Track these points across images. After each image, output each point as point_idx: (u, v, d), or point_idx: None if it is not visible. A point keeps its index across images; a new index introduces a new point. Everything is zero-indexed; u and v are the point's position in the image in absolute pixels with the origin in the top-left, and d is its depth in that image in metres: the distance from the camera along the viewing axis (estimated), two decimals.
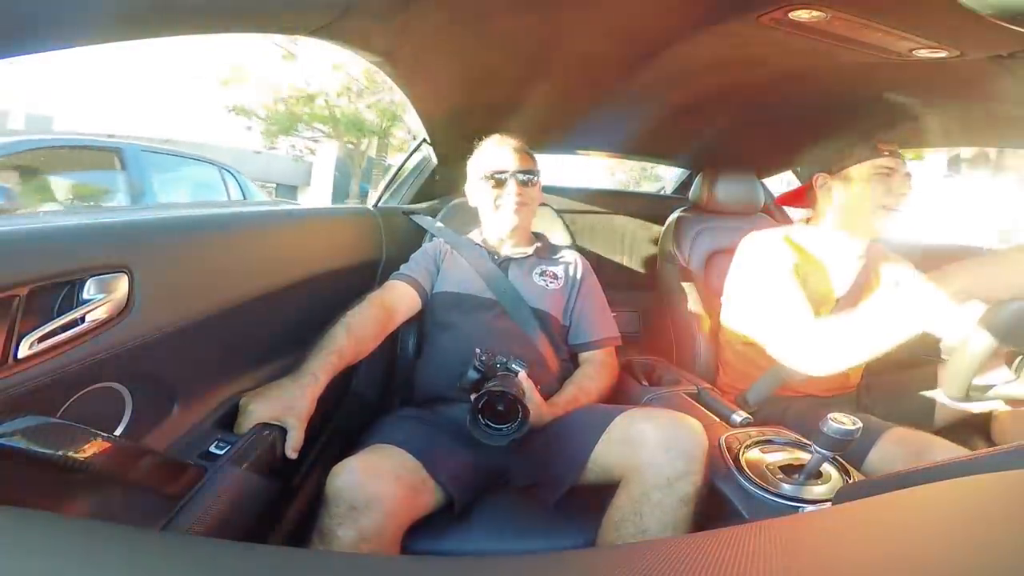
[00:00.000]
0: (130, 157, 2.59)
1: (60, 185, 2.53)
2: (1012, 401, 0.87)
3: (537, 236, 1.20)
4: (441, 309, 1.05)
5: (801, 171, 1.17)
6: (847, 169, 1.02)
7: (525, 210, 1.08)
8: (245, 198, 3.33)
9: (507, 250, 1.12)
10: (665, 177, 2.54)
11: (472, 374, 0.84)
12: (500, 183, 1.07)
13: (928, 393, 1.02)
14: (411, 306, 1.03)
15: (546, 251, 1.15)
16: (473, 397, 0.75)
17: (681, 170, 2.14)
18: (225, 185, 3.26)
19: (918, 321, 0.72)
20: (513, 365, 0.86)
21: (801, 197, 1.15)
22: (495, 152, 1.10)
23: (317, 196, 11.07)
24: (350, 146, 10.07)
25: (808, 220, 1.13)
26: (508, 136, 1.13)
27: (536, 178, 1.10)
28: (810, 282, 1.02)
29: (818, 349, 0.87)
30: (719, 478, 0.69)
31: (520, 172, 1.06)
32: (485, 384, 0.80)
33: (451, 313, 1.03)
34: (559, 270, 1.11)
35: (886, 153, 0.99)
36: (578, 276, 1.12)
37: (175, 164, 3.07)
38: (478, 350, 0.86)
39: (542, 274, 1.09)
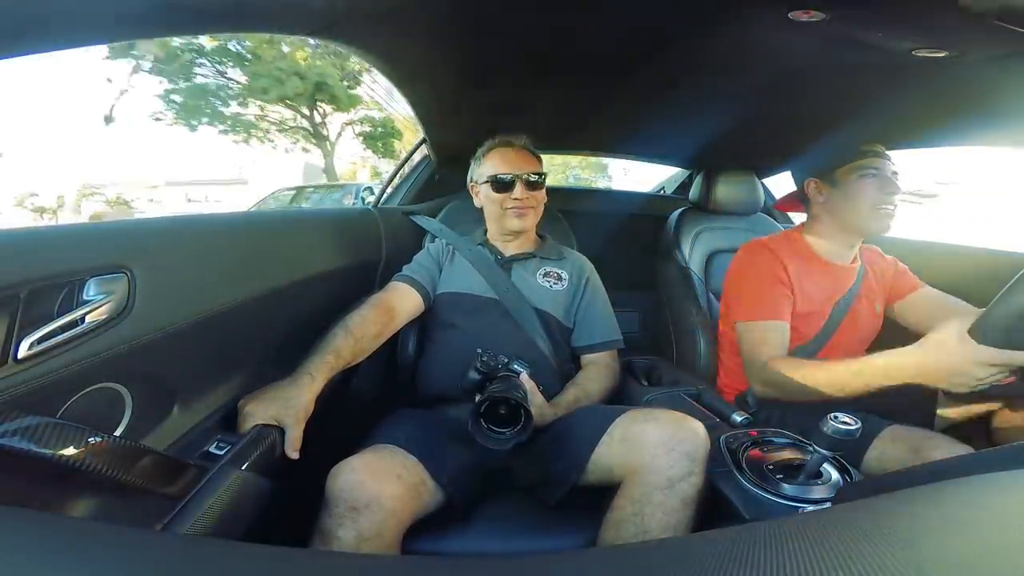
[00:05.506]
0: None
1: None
2: (1012, 401, 0.87)
3: (541, 236, 1.19)
4: (444, 310, 1.04)
5: (794, 175, 1.17)
6: (834, 172, 1.03)
7: (533, 213, 1.08)
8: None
9: (511, 250, 1.11)
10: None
11: (473, 375, 0.83)
12: (507, 186, 1.05)
13: (929, 395, 1.02)
14: (413, 308, 1.02)
15: (550, 251, 1.14)
16: (476, 400, 0.74)
17: (681, 170, 2.14)
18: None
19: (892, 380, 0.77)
20: (515, 366, 0.85)
21: (797, 202, 1.16)
22: (501, 153, 1.09)
23: None
24: None
25: (804, 224, 1.13)
26: (512, 135, 1.12)
27: (543, 179, 1.09)
28: (806, 288, 1.03)
29: (774, 383, 0.91)
30: (719, 478, 0.69)
31: (527, 174, 1.06)
32: (487, 385, 0.79)
33: (454, 314, 1.03)
34: (563, 271, 1.10)
35: (870, 154, 0.99)
36: (583, 278, 1.11)
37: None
38: (480, 350, 0.86)
39: (546, 275, 1.08)
